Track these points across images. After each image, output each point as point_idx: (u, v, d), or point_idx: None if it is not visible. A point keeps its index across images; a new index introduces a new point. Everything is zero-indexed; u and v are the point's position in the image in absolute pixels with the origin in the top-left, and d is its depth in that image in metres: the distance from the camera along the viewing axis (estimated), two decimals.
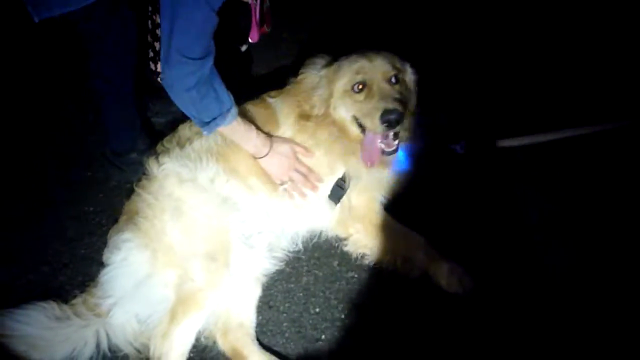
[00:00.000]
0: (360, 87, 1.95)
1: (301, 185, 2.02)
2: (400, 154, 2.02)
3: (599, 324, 1.84)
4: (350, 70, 1.98)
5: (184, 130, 2.06)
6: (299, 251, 2.11)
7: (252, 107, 2.08)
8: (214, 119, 1.85)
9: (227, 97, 1.86)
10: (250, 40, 2.05)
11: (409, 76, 2.06)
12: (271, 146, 1.97)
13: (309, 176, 2.03)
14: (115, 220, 2.13)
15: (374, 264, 2.07)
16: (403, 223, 2.10)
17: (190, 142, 1.98)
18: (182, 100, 1.83)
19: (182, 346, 1.73)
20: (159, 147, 2.05)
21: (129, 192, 2.27)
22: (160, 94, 2.20)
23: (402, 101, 1.92)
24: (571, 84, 2.75)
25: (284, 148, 2.00)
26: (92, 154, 2.53)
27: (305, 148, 2.04)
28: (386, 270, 2.05)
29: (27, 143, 2.63)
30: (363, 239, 2.07)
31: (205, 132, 1.91)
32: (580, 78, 2.77)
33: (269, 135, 2.01)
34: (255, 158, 1.99)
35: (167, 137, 2.07)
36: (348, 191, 2.06)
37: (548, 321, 1.87)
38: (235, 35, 2.73)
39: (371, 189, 2.09)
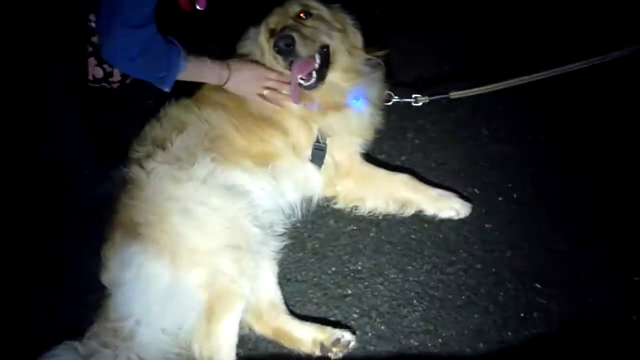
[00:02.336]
0: (271, 34, 2.02)
1: (275, 98, 2.04)
2: (355, 96, 2.09)
3: None
4: (264, 24, 2.07)
5: (155, 130, 1.96)
6: (296, 221, 2.12)
7: None
8: (168, 71, 1.85)
9: (172, 46, 1.84)
10: (197, 7, 1.99)
11: (329, 12, 2.09)
12: (229, 67, 1.98)
13: (280, 88, 2.03)
14: (91, 242, 2.01)
15: (368, 213, 2.14)
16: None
17: (171, 141, 1.89)
18: (129, 68, 1.88)
19: (230, 340, 1.71)
20: (133, 153, 1.92)
21: (94, 211, 2.15)
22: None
23: (304, 31, 1.96)
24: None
25: (245, 66, 2.02)
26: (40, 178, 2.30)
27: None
28: (381, 215, 2.14)
29: None
30: (353, 191, 2.14)
31: (166, 89, 1.90)
32: None
33: (223, 60, 2.00)
34: (221, 86, 1.99)
35: (137, 141, 1.96)
36: (328, 150, 2.10)
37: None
38: None
39: (348, 141, 2.14)
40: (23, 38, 1.84)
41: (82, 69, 2.02)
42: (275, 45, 1.92)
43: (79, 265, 2.03)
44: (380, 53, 2.19)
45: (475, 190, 2.21)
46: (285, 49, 1.90)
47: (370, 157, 2.28)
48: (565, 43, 2.70)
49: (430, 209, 2.11)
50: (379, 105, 2.22)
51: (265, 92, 2.02)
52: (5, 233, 2.18)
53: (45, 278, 2.06)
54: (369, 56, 2.16)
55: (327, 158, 2.10)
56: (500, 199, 2.18)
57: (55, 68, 1.91)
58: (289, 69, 1.97)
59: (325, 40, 2.02)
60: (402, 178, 2.14)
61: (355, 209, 2.15)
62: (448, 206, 2.10)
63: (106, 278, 1.80)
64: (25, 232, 2.19)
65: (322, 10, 2.08)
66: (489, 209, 2.15)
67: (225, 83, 1.98)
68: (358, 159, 2.16)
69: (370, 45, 2.18)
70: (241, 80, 2.00)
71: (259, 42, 2.09)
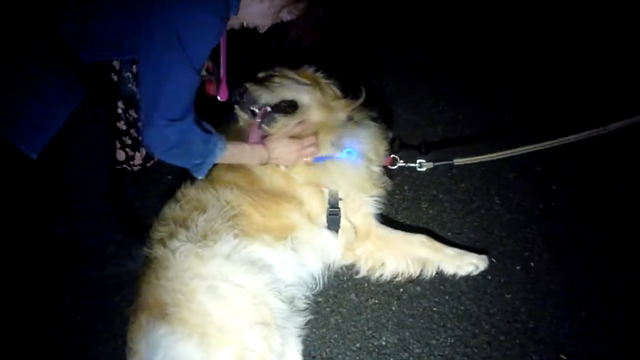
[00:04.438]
0: None
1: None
2: (344, 147, 2.14)
3: None
4: None
5: (174, 211, 1.99)
6: (318, 294, 2.13)
7: None
8: (204, 159, 1.89)
9: (210, 136, 1.88)
10: (219, 99, 2.07)
11: (294, 71, 2.24)
12: (267, 147, 2.05)
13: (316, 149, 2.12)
14: (113, 322, 2.02)
15: (391, 276, 2.16)
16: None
17: (193, 220, 1.92)
18: (167, 156, 1.86)
19: None
20: (155, 233, 1.94)
21: (115, 289, 2.16)
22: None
23: (263, 83, 2.15)
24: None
25: (280, 142, 2.07)
26: (61, 256, 2.29)
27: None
28: (402, 286, 2.16)
29: None
30: (373, 254, 2.17)
31: (200, 175, 1.95)
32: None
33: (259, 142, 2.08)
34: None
35: (158, 222, 1.98)
36: (342, 215, 2.14)
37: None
38: None
39: (359, 202, 2.18)
40: None
41: (112, 155, 2.06)
42: (232, 100, 2.07)
43: (102, 346, 2.02)
44: (359, 100, 2.25)
45: (493, 260, 2.23)
46: (239, 99, 2.06)
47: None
48: (570, 110, 2.83)
49: (449, 268, 2.16)
50: (377, 160, 2.27)
51: (307, 154, 2.11)
52: (26, 312, 2.16)
53: (67, 358, 2.03)
54: (350, 105, 2.23)
55: (344, 222, 2.14)
56: (517, 268, 2.21)
57: (86, 154, 1.95)
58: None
59: (287, 91, 2.15)
60: (420, 238, 2.19)
61: (378, 274, 2.17)
62: (467, 262, 2.15)
63: None
64: (45, 311, 2.16)
65: (285, 71, 2.24)
66: (508, 278, 2.18)
67: (268, 162, 2.05)
68: (374, 221, 2.21)
69: (348, 94, 2.26)
70: (283, 154, 2.06)
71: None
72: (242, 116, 2.17)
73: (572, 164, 2.59)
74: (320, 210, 2.12)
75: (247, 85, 2.08)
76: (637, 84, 2.91)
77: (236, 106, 2.13)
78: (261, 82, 2.16)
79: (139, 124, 2.02)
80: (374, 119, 2.31)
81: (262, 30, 1.98)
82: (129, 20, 1.75)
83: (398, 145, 2.62)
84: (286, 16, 1.91)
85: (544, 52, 3.29)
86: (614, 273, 2.15)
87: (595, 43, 3.28)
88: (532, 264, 2.22)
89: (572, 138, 1.98)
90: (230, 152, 1.94)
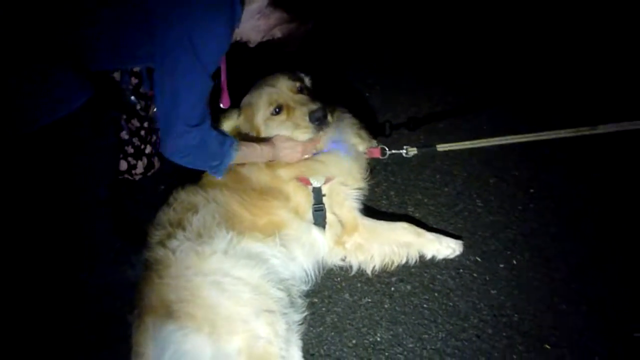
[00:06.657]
0: (278, 109, 2.21)
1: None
2: (333, 142, 2.31)
3: None
4: (263, 102, 2.23)
5: (168, 214, 2.07)
6: (313, 295, 2.22)
7: None
8: (221, 160, 2.00)
9: (225, 138, 2.01)
10: (221, 106, 2.16)
11: (307, 80, 2.37)
12: (274, 146, 2.16)
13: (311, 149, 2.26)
14: (115, 327, 2.06)
15: (380, 265, 2.28)
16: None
17: (188, 220, 2.00)
18: (185, 161, 1.96)
19: None
20: (152, 237, 2.02)
21: (115, 295, 2.20)
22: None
23: (310, 99, 2.23)
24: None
25: (284, 142, 2.18)
26: (62, 263, 2.33)
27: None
28: (393, 285, 2.27)
29: None
30: (362, 246, 2.28)
31: (218, 176, 2.06)
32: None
33: (268, 140, 2.19)
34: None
35: (154, 226, 2.06)
36: (328, 209, 2.25)
37: None
38: None
39: (344, 196, 2.30)
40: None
41: (116, 163, 2.12)
42: (313, 117, 2.16)
43: (104, 350, 2.06)
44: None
45: (477, 259, 2.35)
46: (324, 119, 2.17)
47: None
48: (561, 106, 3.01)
49: (429, 252, 2.31)
50: (364, 143, 2.45)
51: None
52: (26, 319, 2.19)
53: None
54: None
55: (331, 217, 2.26)
56: (501, 265, 2.33)
57: (90, 160, 2.00)
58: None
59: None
60: (402, 225, 2.33)
61: (368, 265, 2.29)
62: (445, 246, 2.31)
63: None
64: (46, 318, 2.20)
65: (306, 81, 2.36)
66: (492, 276, 2.29)
67: (274, 159, 2.17)
68: (359, 214, 2.32)
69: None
70: (288, 153, 2.19)
71: (257, 119, 2.24)
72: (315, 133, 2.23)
73: (549, 168, 2.74)
74: (306, 206, 2.23)
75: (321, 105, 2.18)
76: (625, 93, 3.08)
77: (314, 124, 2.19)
78: (311, 98, 2.24)
79: (142, 133, 2.08)
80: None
81: (252, 45, 2.09)
82: (146, 28, 1.82)
83: (389, 129, 2.83)
84: (277, 33, 2.03)
85: (533, 60, 3.43)
86: (590, 268, 2.28)
87: (587, 50, 3.44)
88: (514, 261, 2.34)
89: (562, 133, 2.21)
90: (244, 152, 2.06)
